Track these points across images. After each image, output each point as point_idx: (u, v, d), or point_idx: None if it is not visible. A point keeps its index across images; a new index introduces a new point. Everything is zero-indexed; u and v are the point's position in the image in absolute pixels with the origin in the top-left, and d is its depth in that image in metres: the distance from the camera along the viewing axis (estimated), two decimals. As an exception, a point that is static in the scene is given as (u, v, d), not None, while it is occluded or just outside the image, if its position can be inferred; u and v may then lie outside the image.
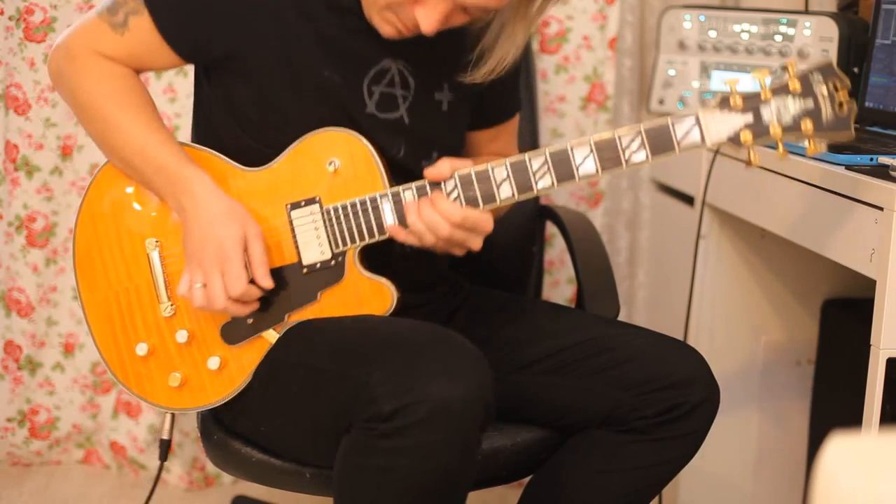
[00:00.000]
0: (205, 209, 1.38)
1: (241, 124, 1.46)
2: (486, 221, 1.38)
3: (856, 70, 1.83)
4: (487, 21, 1.45)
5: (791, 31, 1.94)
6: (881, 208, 1.41)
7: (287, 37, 1.42)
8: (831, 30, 1.86)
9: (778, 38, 1.96)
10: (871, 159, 1.51)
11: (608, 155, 1.35)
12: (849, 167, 1.50)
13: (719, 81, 2.04)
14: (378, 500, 1.26)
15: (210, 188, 1.40)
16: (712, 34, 2.05)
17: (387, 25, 1.38)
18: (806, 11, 1.99)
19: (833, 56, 1.86)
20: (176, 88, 2.22)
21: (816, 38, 1.89)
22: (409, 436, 1.21)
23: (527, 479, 1.56)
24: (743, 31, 2.01)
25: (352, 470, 1.27)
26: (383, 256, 1.45)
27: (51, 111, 2.20)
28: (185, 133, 1.66)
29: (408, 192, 1.39)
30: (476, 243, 1.39)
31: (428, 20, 1.33)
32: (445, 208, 1.36)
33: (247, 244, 1.38)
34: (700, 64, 2.07)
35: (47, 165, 2.22)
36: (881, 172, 1.45)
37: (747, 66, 2.00)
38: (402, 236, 1.39)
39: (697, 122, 1.34)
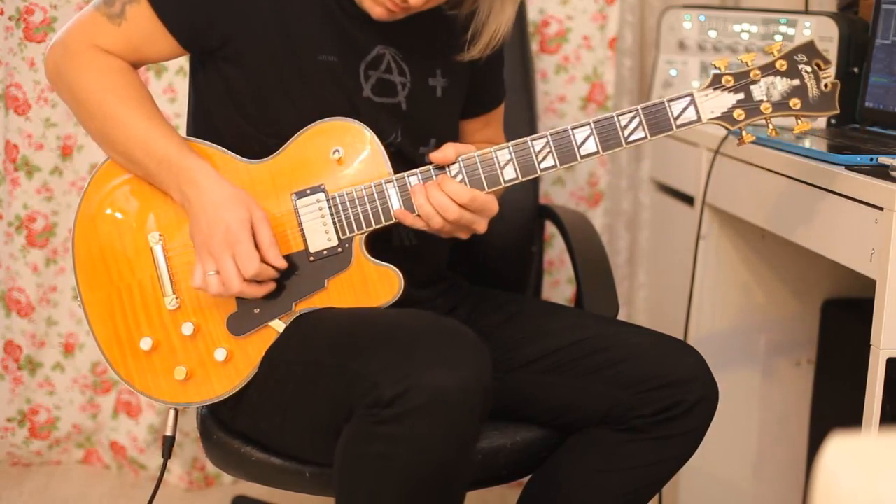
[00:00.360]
0: (209, 197, 1.39)
1: (242, 113, 1.46)
2: (492, 202, 1.41)
3: (856, 70, 1.83)
4: (475, 2, 1.46)
5: (791, 31, 1.94)
6: (881, 208, 1.41)
7: (285, 20, 1.43)
8: (831, 30, 1.86)
9: (778, 38, 1.96)
10: (871, 159, 1.51)
11: (608, 134, 1.40)
12: (849, 167, 1.50)
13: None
14: (377, 489, 1.26)
15: (213, 177, 1.40)
16: (712, 34, 2.05)
17: (376, 6, 1.39)
18: (806, 11, 1.99)
19: (833, 56, 1.86)
20: (176, 88, 2.22)
21: (816, 38, 1.89)
22: (406, 424, 1.21)
23: (526, 479, 1.56)
24: (743, 31, 2.01)
25: (352, 459, 1.27)
26: (382, 252, 1.45)
27: (51, 111, 2.20)
28: (183, 132, 1.67)
29: (413, 178, 1.41)
30: (482, 225, 1.43)
31: None
32: (453, 189, 1.38)
33: (254, 228, 1.39)
34: (700, 64, 2.07)
35: (47, 165, 2.23)
36: (881, 172, 1.45)
37: (747, 66, 2.00)
38: (410, 220, 1.41)
39: (692, 100, 1.40)
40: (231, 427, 1.50)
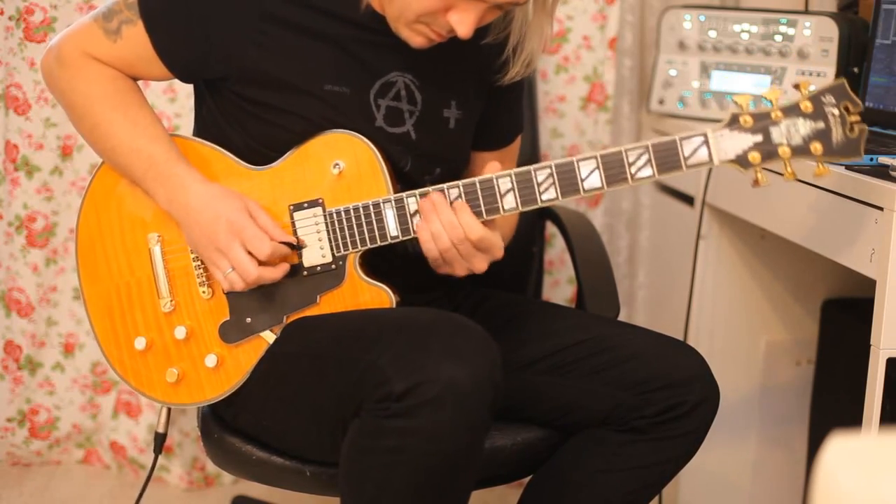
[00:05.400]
0: (199, 199, 1.39)
1: (247, 132, 1.46)
2: (497, 248, 1.39)
3: (856, 70, 1.83)
4: (506, 24, 1.45)
5: (791, 31, 1.94)
6: (881, 208, 1.41)
7: (287, 53, 1.42)
8: (831, 30, 1.86)
9: (778, 38, 1.96)
10: (871, 159, 1.51)
11: (614, 170, 1.34)
12: (849, 167, 1.50)
13: (719, 81, 2.04)
14: (386, 482, 1.26)
15: (199, 179, 1.41)
16: (712, 34, 2.05)
17: (417, 36, 1.37)
18: (806, 11, 1.99)
19: (833, 56, 1.86)
20: (176, 88, 2.22)
21: (816, 38, 1.89)
22: (419, 415, 1.21)
23: (527, 479, 1.56)
24: (743, 31, 2.01)
25: (360, 453, 1.27)
26: (387, 257, 1.45)
27: (51, 111, 2.20)
28: (185, 132, 1.66)
29: (411, 199, 1.39)
30: (481, 265, 1.39)
31: (463, 25, 1.32)
32: (467, 221, 1.35)
33: (251, 215, 1.39)
34: (700, 64, 2.07)
35: (47, 165, 2.22)
36: (881, 172, 1.45)
37: (747, 66, 2.00)
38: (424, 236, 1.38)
39: (706, 140, 1.33)
40: (232, 425, 1.51)
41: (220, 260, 1.39)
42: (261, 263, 1.38)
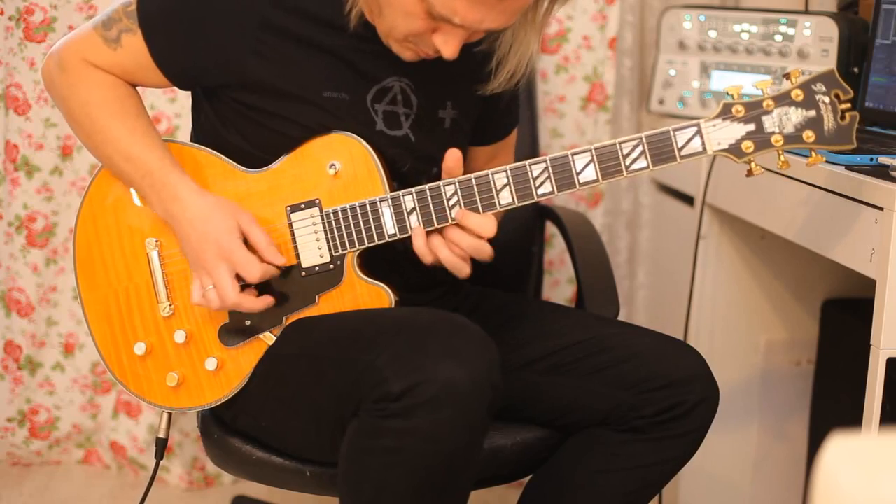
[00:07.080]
0: (193, 211, 1.39)
1: (243, 134, 1.46)
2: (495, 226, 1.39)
3: (856, 70, 1.83)
4: (497, 35, 1.45)
5: (791, 31, 1.94)
6: (881, 208, 1.41)
7: (286, 63, 1.42)
8: (831, 30, 1.86)
9: (778, 38, 1.96)
10: (871, 159, 1.51)
11: (609, 162, 1.35)
12: (849, 167, 1.50)
13: (719, 81, 2.04)
14: (384, 482, 1.26)
15: (194, 189, 1.41)
16: (712, 34, 2.05)
17: (407, 52, 1.39)
18: (806, 11, 1.99)
19: (833, 56, 1.86)
20: (176, 89, 2.22)
21: (816, 38, 1.89)
22: (417, 416, 1.21)
23: (527, 479, 1.56)
24: (743, 31, 2.01)
25: (358, 453, 1.27)
26: (386, 256, 1.45)
27: (51, 111, 2.20)
28: (185, 133, 1.66)
29: (408, 197, 1.39)
30: (489, 251, 1.40)
31: (447, 47, 1.33)
32: (477, 223, 1.37)
33: (244, 233, 1.39)
34: (700, 64, 2.07)
35: (47, 165, 2.22)
36: (881, 172, 1.45)
37: (747, 66, 2.00)
38: (430, 262, 1.40)
39: (699, 130, 1.34)
40: (232, 426, 1.51)
41: (203, 276, 1.39)
42: (246, 287, 1.39)
